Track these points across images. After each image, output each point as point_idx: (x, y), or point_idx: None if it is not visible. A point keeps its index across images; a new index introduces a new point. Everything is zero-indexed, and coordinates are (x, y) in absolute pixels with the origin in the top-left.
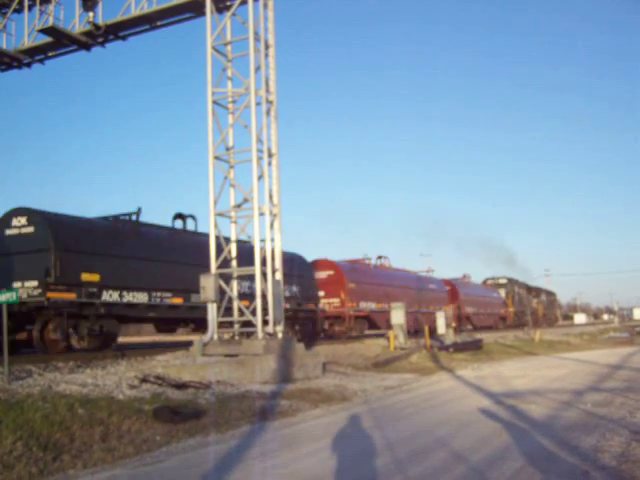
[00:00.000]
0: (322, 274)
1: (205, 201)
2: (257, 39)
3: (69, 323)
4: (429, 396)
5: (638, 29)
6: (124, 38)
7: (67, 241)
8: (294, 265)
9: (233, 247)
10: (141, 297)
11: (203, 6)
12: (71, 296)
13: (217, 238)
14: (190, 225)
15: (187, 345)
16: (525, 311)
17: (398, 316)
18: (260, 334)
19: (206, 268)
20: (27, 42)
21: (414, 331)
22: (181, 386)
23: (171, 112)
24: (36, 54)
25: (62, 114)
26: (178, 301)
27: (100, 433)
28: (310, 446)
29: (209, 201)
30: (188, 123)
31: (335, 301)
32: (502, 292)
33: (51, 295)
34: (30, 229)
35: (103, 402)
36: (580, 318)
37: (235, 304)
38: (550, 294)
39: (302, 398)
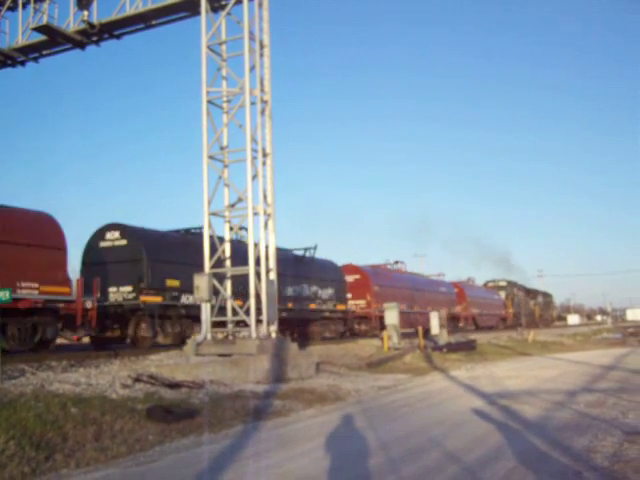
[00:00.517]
0: (349, 278)
1: (200, 200)
2: (252, 39)
3: (157, 322)
4: (423, 396)
5: (638, 30)
6: (119, 37)
7: (155, 252)
8: (329, 270)
9: (227, 247)
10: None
11: (198, 5)
12: (158, 299)
13: (211, 237)
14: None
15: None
16: (522, 312)
17: (392, 316)
18: (254, 334)
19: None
20: (21, 40)
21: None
22: (174, 385)
23: (165, 111)
24: (30, 52)
25: (55, 113)
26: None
27: (93, 432)
28: (304, 446)
29: (203, 200)
30: (182, 122)
31: (362, 302)
32: (502, 294)
33: (144, 299)
34: (123, 242)
35: (96, 401)
36: (573, 319)
37: (229, 304)
38: (547, 295)
39: (296, 398)
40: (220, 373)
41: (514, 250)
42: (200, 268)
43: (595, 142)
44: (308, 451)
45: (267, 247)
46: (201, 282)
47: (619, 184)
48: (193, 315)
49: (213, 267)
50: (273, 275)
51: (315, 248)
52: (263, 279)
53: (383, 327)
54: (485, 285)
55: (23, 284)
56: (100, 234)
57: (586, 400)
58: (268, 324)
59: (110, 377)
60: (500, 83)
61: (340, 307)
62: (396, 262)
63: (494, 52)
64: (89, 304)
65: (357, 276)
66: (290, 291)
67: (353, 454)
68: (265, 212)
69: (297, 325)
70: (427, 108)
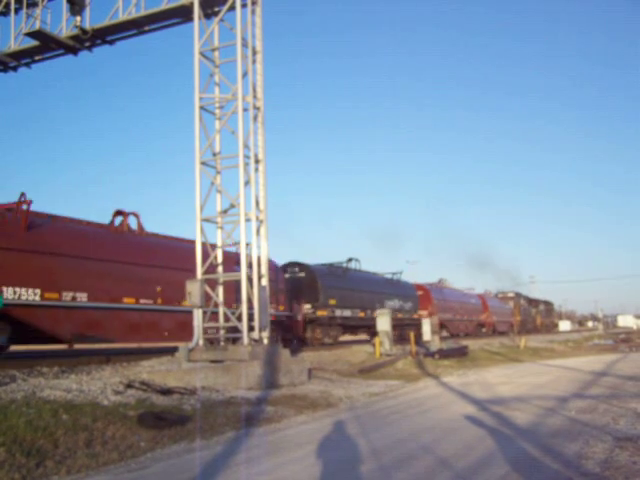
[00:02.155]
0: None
1: (192, 206)
2: (245, 45)
3: (325, 329)
4: (414, 403)
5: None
6: (111, 43)
7: (323, 281)
8: (408, 288)
9: (219, 253)
10: (348, 313)
11: (191, 12)
12: (325, 313)
13: (204, 245)
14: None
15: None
16: (527, 319)
17: (383, 322)
18: (246, 340)
19: (372, 294)
20: (13, 45)
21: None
22: (166, 392)
23: (158, 117)
24: (23, 58)
25: (46, 119)
26: (362, 315)
27: (84, 439)
28: (295, 452)
29: (195, 206)
30: (175, 128)
31: (424, 313)
32: (511, 304)
33: (319, 313)
34: (302, 274)
35: (87, 408)
36: (565, 325)
37: (221, 310)
38: (548, 304)
39: (287, 404)
40: (212, 379)
41: (506, 256)
42: (346, 290)
43: (588, 149)
44: (300, 458)
45: (259, 254)
46: (193, 288)
47: (611, 191)
48: (343, 324)
49: (206, 273)
50: (265, 281)
51: (401, 273)
52: (255, 285)
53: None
54: (496, 296)
55: (271, 307)
56: (284, 268)
57: (577, 406)
58: (260, 330)
59: (102, 383)
60: (493, 88)
61: (415, 316)
62: (440, 280)
63: (474, 55)
64: (299, 317)
65: (421, 292)
66: (390, 304)
67: (345, 461)
68: (257, 218)
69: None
70: (420, 114)
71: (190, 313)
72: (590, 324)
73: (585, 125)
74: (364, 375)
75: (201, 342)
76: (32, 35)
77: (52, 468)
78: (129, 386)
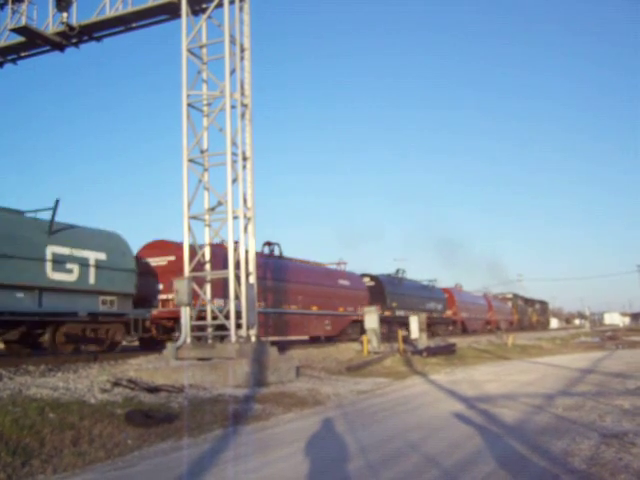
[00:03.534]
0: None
1: (179, 204)
2: (233, 42)
3: (389, 326)
4: (402, 400)
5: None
6: (98, 39)
7: (388, 288)
8: (439, 291)
9: (207, 250)
10: (402, 313)
11: (178, 8)
12: (389, 313)
13: (191, 244)
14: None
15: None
16: (524, 317)
17: (371, 320)
18: (233, 338)
19: (417, 298)
20: None
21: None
22: (154, 390)
23: (145, 114)
24: (8, 54)
25: (34, 116)
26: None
27: (71, 437)
28: (283, 450)
29: (183, 204)
30: (163, 125)
31: (450, 312)
32: (509, 304)
33: (386, 313)
34: (372, 283)
35: (74, 406)
36: (552, 323)
37: (208, 307)
38: (543, 303)
39: (275, 402)
40: (200, 377)
41: (494, 254)
42: (401, 295)
43: (577, 148)
44: (287, 455)
45: (247, 251)
46: (181, 286)
47: (599, 190)
48: (399, 322)
49: (193, 270)
50: (253, 279)
51: (435, 280)
52: (243, 283)
53: (465, 330)
54: (496, 297)
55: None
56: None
57: (564, 404)
58: (248, 328)
59: (89, 381)
60: (485, 88)
61: (444, 315)
62: (456, 284)
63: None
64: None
65: (446, 295)
66: (429, 306)
67: (332, 458)
68: (245, 216)
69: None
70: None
71: (335, 315)
72: (577, 322)
73: (571, 123)
74: (352, 373)
75: (189, 340)
76: (18, 31)
77: (38, 467)
78: (116, 384)
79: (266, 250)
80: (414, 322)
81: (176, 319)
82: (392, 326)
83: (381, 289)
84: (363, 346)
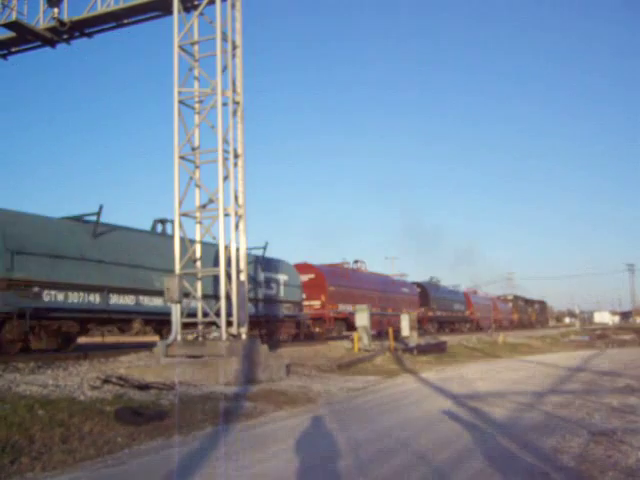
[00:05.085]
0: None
1: (170, 201)
2: (224, 39)
3: (432, 324)
4: (393, 398)
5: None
6: (90, 35)
7: (431, 292)
8: (461, 293)
9: (198, 248)
10: (439, 313)
11: (170, 5)
12: (431, 313)
13: (182, 240)
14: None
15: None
16: (524, 316)
17: (362, 318)
18: (224, 335)
19: (449, 300)
20: None
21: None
22: (144, 387)
23: (137, 111)
24: None
25: (26, 113)
26: (445, 314)
27: (60, 435)
28: (274, 447)
29: (174, 201)
30: (154, 122)
31: (468, 312)
32: (510, 304)
33: (429, 313)
34: (419, 289)
35: (64, 403)
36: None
37: (199, 305)
38: (542, 303)
39: (266, 400)
40: (190, 374)
41: (485, 252)
42: (439, 298)
43: (567, 145)
44: (278, 453)
45: (238, 248)
46: (171, 283)
47: (590, 188)
48: (438, 320)
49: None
50: (244, 276)
51: (459, 285)
52: (234, 280)
53: (479, 327)
54: (498, 298)
55: (408, 309)
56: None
57: (554, 401)
58: (238, 325)
59: (78, 379)
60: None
61: (464, 314)
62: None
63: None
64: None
65: (464, 298)
66: (455, 307)
67: (323, 456)
68: (236, 213)
69: (453, 324)
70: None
71: (390, 315)
72: (567, 320)
73: (564, 115)
74: (343, 370)
75: (179, 337)
76: (8, 26)
77: (27, 464)
78: (106, 381)
79: (352, 264)
80: (405, 320)
81: (315, 318)
82: (433, 324)
83: (426, 294)
84: (354, 344)
